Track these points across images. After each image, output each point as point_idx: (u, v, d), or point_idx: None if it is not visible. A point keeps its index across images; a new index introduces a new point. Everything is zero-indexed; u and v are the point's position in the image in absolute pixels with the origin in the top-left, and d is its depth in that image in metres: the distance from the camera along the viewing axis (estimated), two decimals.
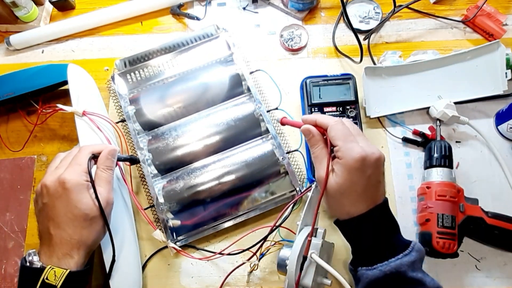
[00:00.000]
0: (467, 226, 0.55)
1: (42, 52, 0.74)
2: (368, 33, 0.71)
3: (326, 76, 0.64)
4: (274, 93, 0.66)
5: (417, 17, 0.73)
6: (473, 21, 0.70)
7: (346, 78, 0.64)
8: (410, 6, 0.73)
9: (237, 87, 0.66)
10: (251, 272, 0.58)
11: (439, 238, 0.53)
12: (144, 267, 0.58)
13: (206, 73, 0.66)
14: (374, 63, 0.69)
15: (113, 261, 0.52)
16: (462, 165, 0.62)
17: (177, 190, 0.59)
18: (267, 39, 0.73)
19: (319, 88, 0.64)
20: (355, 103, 0.63)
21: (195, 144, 0.62)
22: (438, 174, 0.57)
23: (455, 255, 0.54)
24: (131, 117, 0.64)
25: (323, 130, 0.47)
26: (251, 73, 0.66)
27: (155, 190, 0.59)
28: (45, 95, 0.66)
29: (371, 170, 0.44)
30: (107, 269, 0.52)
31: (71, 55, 0.73)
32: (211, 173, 0.59)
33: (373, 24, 0.72)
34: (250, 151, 0.61)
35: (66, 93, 0.63)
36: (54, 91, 0.67)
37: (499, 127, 0.64)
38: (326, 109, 0.63)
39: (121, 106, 0.65)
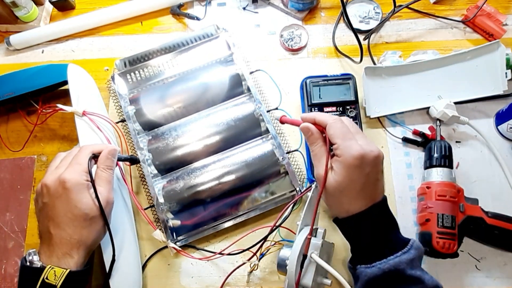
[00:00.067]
0: (467, 226, 0.55)
1: (42, 52, 0.74)
2: (368, 33, 0.71)
3: (326, 76, 0.64)
4: (274, 93, 0.66)
5: (417, 17, 0.73)
6: (473, 21, 0.70)
7: (346, 78, 0.64)
8: (410, 6, 0.73)
9: (237, 87, 0.66)
10: (251, 272, 0.58)
11: (439, 238, 0.53)
12: (144, 267, 0.58)
13: (206, 73, 0.66)
14: (374, 63, 0.69)
15: (113, 261, 0.52)
16: (462, 165, 0.62)
17: (177, 190, 0.59)
18: (267, 39, 0.73)
19: (319, 88, 0.64)
20: (355, 103, 0.63)
21: (195, 144, 0.62)
22: (438, 174, 0.57)
23: (455, 255, 0.54)
24: (131, 117, 0.64)
25: (322, 128, 0.47)
26: (251, 73, 0.66)
27: (155, 190, 0.59)
28: (45, 95, 0.66)
29: (370, 168, 0.44)
30: (107, 269, 0.52)
31: (71, 55, 0.73)
32: (211, 173, 0.59)
33: (373, 24, 0.72)
34: (250, 151, 0.61)
35: (66, 93, 0.63)
36: (54, 91, 0.67)
37: (499, 127, 0.64)
38: (326, 109, 0.63)
39: (121, 106, 0.65)
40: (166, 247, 0.58)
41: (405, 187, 0.62)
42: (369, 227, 0.45)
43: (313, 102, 0.63)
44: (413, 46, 0.70)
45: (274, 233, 0.55)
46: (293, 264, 0.47)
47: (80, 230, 0.47)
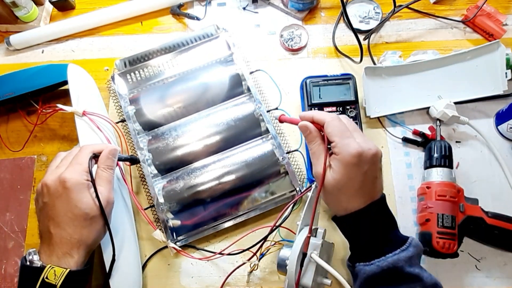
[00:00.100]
0: (467, 226, 0.55)
1: (42, 52, 0.74)
2: (368, 33, 0.71)
3: (326, 76, 0.64)
4: (274, 93, 0.66)
5: (417, 17, 0.73)
6: (473, 21, 0.70)
7: (346, 78, 0.64)
8: (410, 6, 0.73)
9: (237, 87, 0.66)
10: (251, 272, 0.58)
11: (439, 238, 0.53)
12: (144, 267, 0.58)
13: (206, 73, 0.66)
14: (374, 63, 0.69)
15: (113, 261, 0.52)
16: (462, 165, 0.62)
17: (177, 190, 0.59)
18: (267, 39, 0.73)
19: (319, 88, 0.64)
20: (355, 103, 0.63)
21: (195, 144, 0.62)
22: (438, 174, 0.57)
23: (455, 255, 0.54)
24: (131, 117, 0.64)
25: (320, 127, 0.47)
26: (251, 73, 0.66)
27: (155, 190, 0.59)
28: (45, 95, 0.66)
29: (368, 166, 0.44)
30: (107, 269, 0.52)
31: (71, 55, 0.73)
32: (211, 173, 0.59)
33: (373, 24, 0.72)
34: (250, 151, 0.61)
35: (66, 93, 0.63)
36: (54, 91, 0.67)
37: (499, 127, 0.64)
38: (326, 109, 0.63)
39: (121, 106, 0.65)
40: (166, 247, 0.58)
41: (405, 187, 0.62)
42: (367, 225, 0.45)
43: (313, 102, 0.63)
44: (413, 46, 0.70)
45: (274, 233, 0.55)
46: (293, 264, 0.47)
47: (80, 230, 0.47)
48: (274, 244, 0.57)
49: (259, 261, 0.56)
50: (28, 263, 0.46)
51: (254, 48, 0.72)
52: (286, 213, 0.56)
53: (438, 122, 0.62)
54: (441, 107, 0.61)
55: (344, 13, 0.68)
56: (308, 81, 0.64)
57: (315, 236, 0.53)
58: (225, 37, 0.69)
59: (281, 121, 0.54)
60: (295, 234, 0.52)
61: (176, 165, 0.62)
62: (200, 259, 0.57)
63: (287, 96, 0.68)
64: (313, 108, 0.63)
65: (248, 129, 0.63)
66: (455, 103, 0.62)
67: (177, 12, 0.75)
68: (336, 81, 0.64)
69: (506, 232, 0.55)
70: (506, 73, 0.62)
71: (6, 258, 0.60)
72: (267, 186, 0.59)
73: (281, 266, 0.51)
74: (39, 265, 0.45)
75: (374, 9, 0.73)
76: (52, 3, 0.75)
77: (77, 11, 0.77)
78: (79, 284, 0.47)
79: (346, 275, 0.55)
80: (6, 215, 0.62)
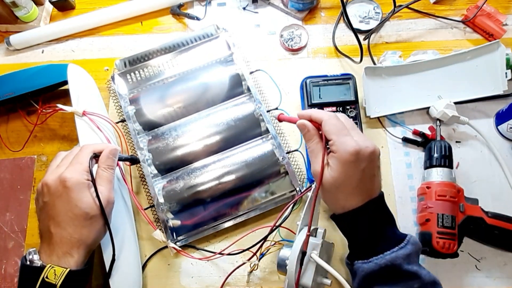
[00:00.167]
0: (467, 226, 0.55)
1: (42, 52, 0.74)
2: (368, 33, 0.71)
3: (326, 76, 0.64)
4: (274, 93, 0.66)
5: (417, 17, 0.73)
6: (473, 21, 0.70)
7: (346, 78, 0.64)
8: (410, 6, 0.73)
9: (237, 87, 0.66)
10: (251, 272, 0.58)
11: (439, 238, 0.53)
12: (144, 267, 0.58)
13: (206, 73, 0.66)
14: (374, 63, 0.69)
15: (113, 260, 0.52)
16: (462, 165, 0.62)
17: (177, 190, 0.59)
18: (267, 39, 0.73)
19: (319, 88, 0.64)
20: (355, 103, 0.63)
21: (195, 144, 0.62)
22: (438, 174, 0.57)
23: (455, 255, 0.54)
24: (131, 117, 0.64)
25: (318, 125, 0.48)
26: (251, 73, 0.66)
27: (155, 190, 0.59)
28: (45, 95, 0.66)
29: (365, 164, 0.44)
30: (107, 269, 0.52)
31: (71, 55, 0.73)
32: (211, 173, 0.59)
33: (373, 24, 0.72)
34: (250, 151, 0.61)
35: (66, 93, 0.63)
36: (54, 91, 0.67)
37: (499, 127, 0.64)
38: (326, 109, 0.63)
39: (121, 106, 0.65)
40: (166, 247, 0.58)
41: (405, 187, 0.62)
42: (365, 223, 0.45)
43: (313, 102, 0.63)
44: (413, 46, 0.70)
45: (274, 233, 0.55)
46: (293, 264, 0.47)
47: (81, 229, 0.47)
48: (274, 244, 0.57)
49: (259, 261, 0.56)
50: (28, 262, 0.46)
51: (254, 48, 0.72)
52: (286, 213, 0.56)
53: (438, 122, 0.62)
54: (441, 107, 0.61)
55: (344, 13, 0.68)
56: (308, 81, 0.64)
57: (315, 236, 0.53)
58: (225, 37, 0.69)
59: (280, 120, 0.54)
60: (295, 234, 0.52)
61: (176, 165, 0.62)
62: (200, 259, 0.57)
63: (287, 96, 0.68)
64: (313, 108, 0.63)
65: (248, 129, 0.63)
66: (455, 103, 0.62)
67: (177, 12, 0.75)
68: (336, 81, 0.64)
69: (506, 232, 0.55)
70: (506, 73, 0.62)
71: (6, 258, 0.60)
72: (267, 186, 0.59)
73: (281, 266, 0.51)
74: (39, 265, 0.45)
75: (374, 9, 0.73)
76: (52, 3, 0.75)
77: (77, 11, 0.77)
78: (79, 283, 0.47)
79: (346, 275, 0.55)
80: (6, 215, 0.62)
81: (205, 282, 0.58)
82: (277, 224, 0.54)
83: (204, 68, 0.67)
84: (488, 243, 0.57)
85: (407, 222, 0.60)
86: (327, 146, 0.47)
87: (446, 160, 0.57)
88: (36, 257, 0.46)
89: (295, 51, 0.72)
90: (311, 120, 0.48)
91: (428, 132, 0.64)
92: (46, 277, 0.44)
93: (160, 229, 0.56)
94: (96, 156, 0.51)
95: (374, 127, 0.66)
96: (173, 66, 0.68)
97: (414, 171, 0.63)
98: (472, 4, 0.71)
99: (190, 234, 0.59)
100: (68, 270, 0.45)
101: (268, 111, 0.63)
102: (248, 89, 0.65)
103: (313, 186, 0.53)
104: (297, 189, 0.59)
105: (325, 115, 0.47)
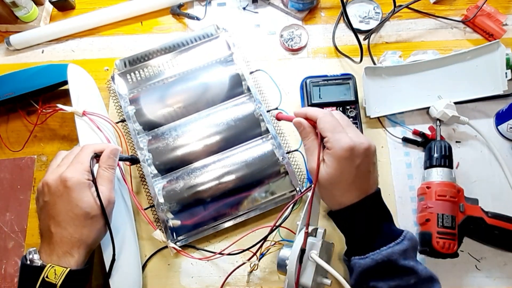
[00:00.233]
0: (467, 226, 0.55)
1: (42, 52, 0.74)
2: (368, 33, 0.71)
3: (326, 76, 0.64)
4: (274, 93, 0.66)
5: (417, 17, 0.73)
6: (473, 21, 0.70)
7: (346, 78, 0.64)
8: (410, 6, 0.73)
9: (237, 87, 0.66)
10: (251, 272, 0.58)
11: (439, 238, 0.53)
12: (144, 267, 0.58)
13: (206, 73, 0.66)
14: (374, 63, 0.69)
15: (113, 260, 0.52)
16: (462, 165, 0.62)
17: (177, 190, 0.59)
18: (267, 39, 0.73)
19: (319, 88, 0.64)
20: (355, 103, 0.63)
21: (195, 144, 0.62)
22: (438, 174, 0.57)
23: (455, 255, 0.54)
24: (131, 117, 0.64)
25: (314, 123, 0.48)
26: (251, 73, 0.66)
27: (155, 190, 0.59)
28: (45, 95, 0.66)
29: (360, 160, 0.44)
30: (107, 269, 0.52)
31: (71, 55, 0.73)
32: (211, 173, 0.59)
33: (373, 24, 0.72)
34: (250, 151, 0.61)
35: (66, 93, 0.63)
36: (54, 91, 0.67)
37: (499, 127, 0.64)
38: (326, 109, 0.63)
39: (121, 106, 0.65)
40: (166, 247, 0.58)
41: (405, 187, 0.62)
42: (362, 219, 0.46)
43: (313, 102, 0.63)
44: (413, 46, 0.70)
45: (274, 233, 0.55)
46: (293, 264, 0.47)
47: (81, 229, 0.47)
48: (274, 244, 0.57)
49: (259, 261, 0.56)
50: (28, 262, 0.46)
51: (254, 48, 0.72)
52: (286, 213, 0.56)
53: (438, 122, 0.62)
54: (441, 107, 0.61)
55: (344, 13, 0.68)
56: (308, 81, 0.64)
57: (315, 236, 0.53)
58: (225, 37, 0.69)
59: (278, 119, 0.54)
60: (295, 234, 0.52)
61: (176, 165, 0.62)
62: (200, 259, 0.57)
63: (287, 96, 0.68)
64: None
65: (248, 129, 0.63)
66: (455, 103, 0.62)
67: (177, 12, 0.75)
68: (336, 81, 0.64)
69: (506, 232, 0.55)
70: (506, 73, 0.63)
71: (6, 258, 0.60)
72: (267, 186, 0.59)
73: (281, 266, 0.51)
74: (39, 264, 0.45)
75: (374, 9, 0.73)
76: (52, 3, 0.75)
77: (77, 11, 0.77)
78: (79, 283, 0.47)
79: (345, 274, 0.55)
80: (6, 215, 0.62)
81: (205, 282, 0.58)
82: (277, 224, 0.54)
83: (204, 68, 0.67)
84: (488, 243, 0.57)
85: (407, 222, 0.60)
86: (323, 143, 0.47)
87: (446, 160, 0.57)
88: (36, 256, 0.46)
89: (295, 51, 0.72)
90: (307, 118, 0.49)
91: (428, 132, 0.64)
92: (46, 277, 0.44)
93: (160, 229, 0.56)
94: (97, 156, 0.51)
95: (374, 127, 0.66)
96: (173, 66, 0.68)
97: (414, 171, 0.63)
98: (472, 4, 0.71)
99: (190, 234, 0.59)
100: (68, 269, 0.45)
101: (268, 111, 0.63)
102: (248, 89, 0.65)
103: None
104: (297, 189, 0.59)
105: (320, 113, 0.47)
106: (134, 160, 0.59)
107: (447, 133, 0.64)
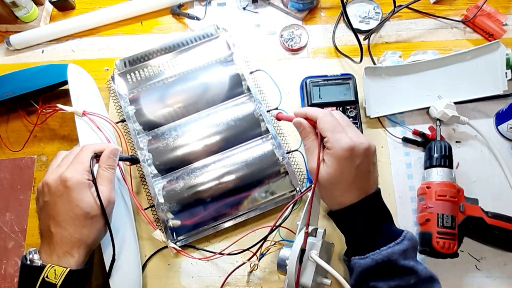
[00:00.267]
0: (467, 226, 0.55)
1: (42, 52, 0.74)
2: (368, 33, 0.71)
3: (326, 76, 0.64)
4: (274, 93, 0.66)
5: (417, 17, 0.73)
6: (473, 21, 0.70)
7: (346, 78, 0.64)
8: (410, 6, 0.73)
9: (237, 87, 0.66)
10: (251, 272, 0.58)
11: (439, 238, 0.53)
12: (144, 267, 0.58)
13: (206, 73, 0.66)
14: (374, 63, 0.69)
15: (113, 260, 0.52)
16: (462, 165, 0.62)
17: (177, 190, 0.59)
18: (267, 39, 0.73)
19: (319, 88, 0.64)
20: (355, 103, 0.63)
21: (195, 144, 0.62)
22: (438, 174, 0.57)
23: (455, 255, 0.54)
24: (131, 117, 0.64)
25: (314, 123, 0.48)
26: (251, 73, 0.66)
27: (155, 190, 0.59)
28: (45, 95, 0.66)
29: (360, 160, 0.45)
30: (107, 269, 0.52)
31: (71, 55, 0.73)
32: (211, 173, 0.59)
33: (373, 24, 0.72)
34: (250, 151, 0.61)
35: (66, 93, 0.63)
36: (54, 91, 0.67)
37: (499, 127, 0.64)
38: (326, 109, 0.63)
39: (121, 106, 0.65)
40: (166, 247, 0.58)
41: (405, 187, 0.62)
42: (362, 219, 0.46)
43: (313, 102, 0.63)
44: (413, 46, 0.70)
45: (274, 233, 0.55)
46: (293, 264, 0.47)
47: (81, 229, 0.47)
48: (274, 244, 0.57)
49: (259, 261, 0.56)
50: (28, 262, 0.46)
51: (254, 48, 0.72)
52: (286, 213, 0.56)
53: (438, 122, 0.62)
54: (441, 107, 0.61)
55: (344, 13, 0.68)
56: (308, 81, 0.64)
57: (315, 236, 0.53)
58: (225, 37, 0.69)
59: (278, 119, 0.54)
60: (295, 234, 0.52)
61: (176, 165, 0.62)
62: (200, 259, 0.57)
63: (287, 96, 0.68)
64: None
65: (248, 129, 0.63)
66: (455, 103, 0.62)
67: (177, 12, 0.75)
68: (336, 81, 0.64)
69: (506, 232, 0.55)
70: (506, 73, 0.63)
71: (6, 258, 0.60)
72: (267, 186, 0.59)
73: (281, 266, 0.51)
74: (39, 264, 0.45)
75: (374, 9, 0.73)
76: (52, 3, 0.75)
77: (77, 11, 0.77)
78: (79, 283, 0.47)
79: (345, 274, 0.55)
80: (6, 215, 0.62)
81: (205, 282, 0.58)
82: (277, 224, 0.54)
83: (204, 68, 0.67)
84: (488, 243, 0.57)
85: (407, 222, 0.60)
86: (323, 143, 0.47)
87: (446, 160, 0.57)
88: (36, 256, 0.46)
89: (295, 51, 0.72)
90: (307, 118, 0.49)
91: (428, 132, 0.64)
92: (46, 277, 0.44)
93: (160, 229, 0.56)
94: (97, 156, 0.51)
95: (374, 127, 0.66)
96: (173, 66, 0.68)
97: (414, 171, 0.63)
98: (472, 4, 0.71)
99: (190, 234, 0.59)
100: (68, 269, 0.45)
101: (268, 111, 0.63)
102: (248, 89, 0.65)
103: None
104: (297, 189, 0.59)
105: (320, 113, 0.47)
106: (134, 160, 0.59)
107: (447, 133, 0.64)
